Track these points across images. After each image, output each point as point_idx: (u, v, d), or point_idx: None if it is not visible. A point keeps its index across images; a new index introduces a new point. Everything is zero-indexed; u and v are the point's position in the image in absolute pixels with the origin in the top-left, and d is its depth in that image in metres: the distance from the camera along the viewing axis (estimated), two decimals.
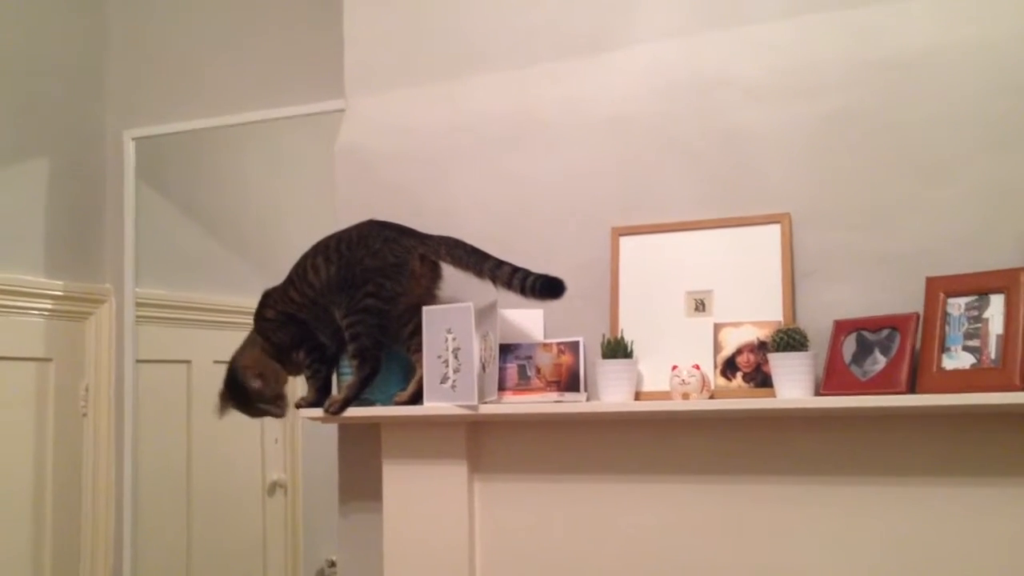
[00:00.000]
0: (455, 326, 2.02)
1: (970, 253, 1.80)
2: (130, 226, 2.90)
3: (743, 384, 1.90)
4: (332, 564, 3.07)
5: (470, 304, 2.02)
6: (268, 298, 2.26)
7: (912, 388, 1.74)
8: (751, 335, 1.91)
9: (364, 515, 2.29)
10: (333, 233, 2.20)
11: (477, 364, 2.01)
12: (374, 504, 2.22)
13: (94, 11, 3.10)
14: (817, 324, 1.87)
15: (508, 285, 2.00)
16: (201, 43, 3.02)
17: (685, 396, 1.89)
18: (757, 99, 2.02)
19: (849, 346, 1.83)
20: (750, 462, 1.93)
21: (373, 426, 2.23)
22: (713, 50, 2.08)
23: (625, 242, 2.08)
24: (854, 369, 1.81)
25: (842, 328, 1.85)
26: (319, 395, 2.19)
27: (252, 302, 2.28)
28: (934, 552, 1.79)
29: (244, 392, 2.24)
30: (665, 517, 1.99)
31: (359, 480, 2.31)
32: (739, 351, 1.92)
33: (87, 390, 2.97)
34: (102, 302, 3.01)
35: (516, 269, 2.01)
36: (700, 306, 2.00)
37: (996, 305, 1.71)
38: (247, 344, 2.28)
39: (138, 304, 2.92)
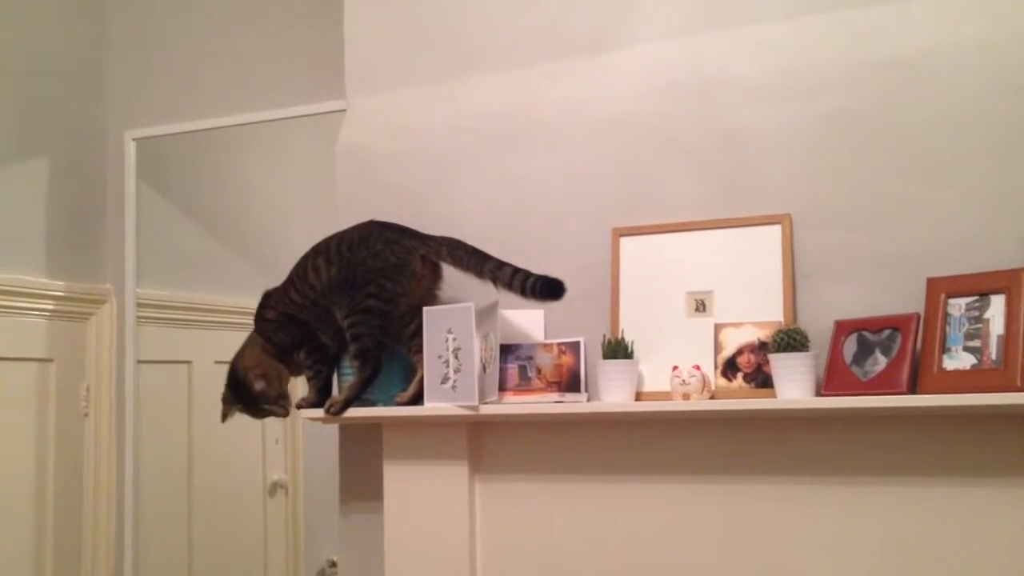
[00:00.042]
0: (456, 326, 2.02)
1: (971, 254, 1.80)
2: (131, 226, 2.90)
3: (744, 384, 1.90)
4: (333, 564, 3.07)
5: (471, 304, 2.02)
6: (269, 299, 2.26)
7: (913, 388, 1.74)
8: (752, 335, 1.91)
9: (365, 515, 2.29)
10: (334, 234, 2.19)
11: (478, 364, 2.01)
12: (375, 504, 2.22)
13: (95, 12, 3.10)
14: (818, 325, 1.87)
15: (509, 286, 2.00)
16: (201, 43, 3.02)
17: (686, 396, 1.89)
18: (757, 99, 2.02)
19: (850, 346, 1.83)
20: (751, 462, 1.93)
21: (374, 426, 2.23)
22: (713, 50, 2.08)
23: (626, 242, 2.08)
24: (855, 369, 1.80)
25: (843, 328, 1.85)
26: (320, 395, 2.19)
27: (253, 303, 2.28)
28: (934, 552, 1.79)
29: (248, 393, 2.24)
30: (666, 517, 1.99)
31: (360, 480, 2.31)
32: (740, 351, 1.92)
33: (88, 390, 2.97)
34: (103, 302, 3.01)
35: (517, 270, 2.01)
36: (701, 306, 2.00)
37: (997, 306, 1.71)
38: (248, 345, 2.28)
39: (139, 304, 2.92)
